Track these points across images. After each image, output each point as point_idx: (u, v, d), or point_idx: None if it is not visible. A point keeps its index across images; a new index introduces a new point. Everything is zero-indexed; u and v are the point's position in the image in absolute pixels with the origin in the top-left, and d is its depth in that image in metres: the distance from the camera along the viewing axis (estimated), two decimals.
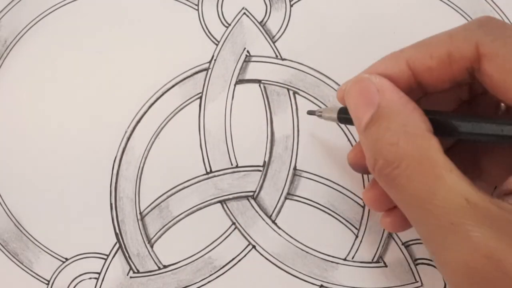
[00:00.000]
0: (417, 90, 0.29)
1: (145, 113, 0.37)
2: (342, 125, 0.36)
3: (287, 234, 0.35)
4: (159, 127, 0.37)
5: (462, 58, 0.27)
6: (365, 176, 0.36)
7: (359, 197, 0.36)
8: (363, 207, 0.36)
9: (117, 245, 0.35)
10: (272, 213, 0.36)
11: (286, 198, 0.36)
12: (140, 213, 0.36)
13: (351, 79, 0.29)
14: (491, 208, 0.23)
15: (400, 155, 0.25)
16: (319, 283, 0.35)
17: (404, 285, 0.35)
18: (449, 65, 0.27)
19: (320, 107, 0.33)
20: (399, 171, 0.25)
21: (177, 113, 0.37)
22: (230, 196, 0.36)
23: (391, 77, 0.28)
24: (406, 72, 0.28)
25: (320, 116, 0.33)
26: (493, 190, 0.30)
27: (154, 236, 0.35)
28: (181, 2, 0.39)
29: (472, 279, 0.23)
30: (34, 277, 0.35)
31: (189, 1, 0.39)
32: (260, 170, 0.36)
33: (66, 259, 0.35)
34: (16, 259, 0.35)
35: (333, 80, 0.37)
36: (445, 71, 0.27)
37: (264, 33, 0.38)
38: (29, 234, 0.35)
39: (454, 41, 0.27)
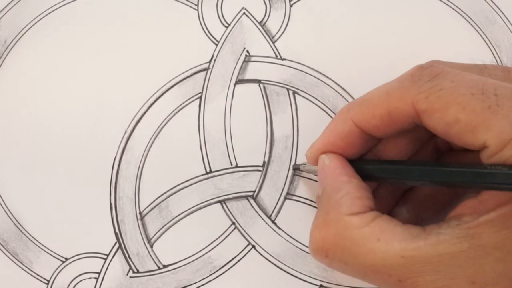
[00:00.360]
0: (371, 139, 0.31)
1: (144, 113, 0.37)
2: None
3: (286, 234, 0.35)
4: (158, 127, 0.37)
5: (402, 116, 0.28)
6: None
7: None
8: None
9: (117, 245, 0.35)
10: (272, 213, 0.36)
11: (285, 198, 0.36)
12: (140, 213, 0.36)
13: (310, 146, 0.32)
14: (428, 253, 0.26)
15: (324, 245, 0.28)
16: (319, 283, 0.35)
17: None
18: (392, 121, 0.29)
19: (303, 164, 0.35)
20: (329, 260, 0.28)
21: (176, 113, 0.37)
22: (230, 196, 0.36)
23: (344, 136, 0.31)
24: (355, 130, 0.30)
25: (303, 171, 0.35)
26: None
27: (154, 236, 0.35)
28: (180, 2, 0.39)
29: None
30: (34, 276, 0.35)
31: (189, 1, 0.39)
32: (259, 170, 0.36)
33: (66, 259, 0.35)
34: (16, 259, 0.35)
35: (333, 80, 0.37)
36: (389, 126, 0.29)
37: (264, 33, 0.38)
38: (29, 234, 0.35)
39: (391, 101, 0.28)
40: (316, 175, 0.33)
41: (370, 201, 0.29)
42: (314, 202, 0.36)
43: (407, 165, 0.29)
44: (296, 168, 0.35)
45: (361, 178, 0.30)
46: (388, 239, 0.26)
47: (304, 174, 0.35)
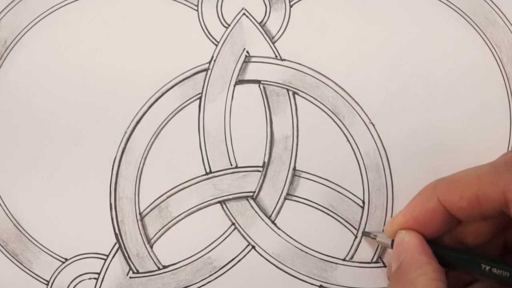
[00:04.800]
0: (453, 220, 0.31)
1: (144, 113, 0.37)
2: (342, 126, 0.36)
3: (286, 234, 0.35)
4: (158, 127, 0.37)
5: (490, 202, 0.28)
6: (365, 176, 0.36)
7: (358, 198, 0.36)
8: (362, 207, 0.36)
9: (117, 245, 0.35)
10: (272, 214, 0.36)
11: (285, 199, 0.36)
12: (140, 213, 0.36)
13: (391, 219, 0.33)
14: None
15: None
16: (319, 283, 0.35)
17: None
18: (478, 206, 0.29)
19: (375, 233, 0.34)
20: None
21: (176, 113, 0.37)
22: (230, 197, 0.36)
23: (427, 214, 0.31)
24: (440, 209, 0.30)
25: (374, 239, 0.34)
26: None
27: (154, 236, 0.35)
28: (180, 2, 0.39)
29: None
30: (34, 277, 0.35)
31: (189, 2, 0.39)
32: (259, 171, 0.36)
33: (66, 259, 0.35)
34: (16, 260, 0.35)
35: (332, 81, 0.37)
36: (475, 210, 0.29)
37: (264, 34, 0.38)
38: (29, 235, 0.35)
39: (482, 185, 0.29)
40: (388, 247, 0.33)
41: (444, 285, 0.29)
42: (314, 202, 0.36)
43: (480, 259, 0.30)
44: (366, 235, 0.35)
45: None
46: None
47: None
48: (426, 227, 0.31)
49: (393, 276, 0.31)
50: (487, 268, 0.29)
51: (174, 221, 0.35)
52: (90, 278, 0.35)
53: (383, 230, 0.34)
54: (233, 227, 0.35)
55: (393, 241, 0.32)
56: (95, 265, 0.35)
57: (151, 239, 0.35)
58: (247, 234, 0.35)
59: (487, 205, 0.29)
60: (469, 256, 0.31)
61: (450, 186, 0.30)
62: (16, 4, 0.39)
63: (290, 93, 0.37)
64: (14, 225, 0.35)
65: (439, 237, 0.32)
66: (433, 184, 0.31)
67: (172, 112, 0.37)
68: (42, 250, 0.35)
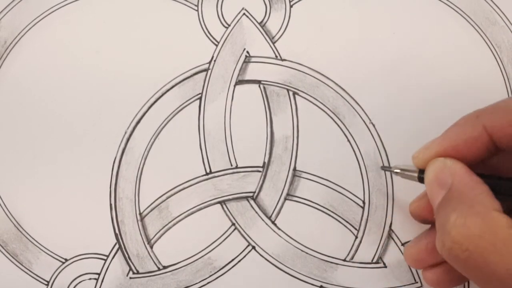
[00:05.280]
0: (493, 149, 0.30)
1: (144, 113, 0.37)
2: (342, 126, 0.36)
3: (286, 234, 0.35)
4: (158, 127, 0.37)
5: None
6: (365, 177, 0.36)
7: (358, 198, 0.36)
8: (363, 207, 0.36)
9: (117, 245, 0.35)
10: (272, 214, 0.36)
11: (285, 199, 0.36)
12: (140, 213, 0.36)
13: (425, 147, 0.31)
14: None
15: (468, 236, 0.26)
16: (319, 283, 0.35)
17: (403, 285, 0.35)
18: None
19: (397, 165, 0.33)
20: (469, 253, 0.26)
21: (176, 113, 0.37)
22: (230, 197, 0.36)
23: (471, 142, 0.29)
24: (484, 137, 0.29)
25: (397, 173, 0.32)
26: None
27: (154, 236, 0.35)
28: (180, 2, 0.39)
29: None
30: (34, 277, 0.35)
31: (189, 2, 0.39)
32: (259, 171, 0.36)
33: (66, 260, 0.35)
34: (16, 260, 0.35)
35: (332, 81, 0.37)
36: None
37: (264, 34, 0.38)
38: (29, 235, 0.35)
39: None
40: (413, 180, 0.31)
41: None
42: (314, 202, 0.36)
43: None
44: (386, 169, 0.34)
45: None
46: None
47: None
48: (465, 157, 0.30)
49: (444, 202, 0.28)
50: None
51: (174, 221, 0.35)
52: (90, 279, 0.35)
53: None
54: (233, 227, 0.35)
55: (421, 171, 0.31)
56: (95, 265, 0.35)
57: (151, 239, 0.35)
58: (247, 235, 0.35)
59: None
60: None
61: (497, 113, 0.29)
62: (16, 4, 0.39)
63: (290, 93, 0.37)
64: (14, 225, 0.35)
65: (472, 168, 0.31)
66: (474, 114, 0.30)
67: (172, 112, 0.37)
68: (42, 250, 0.35)
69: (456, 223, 0.26)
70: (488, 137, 0.29)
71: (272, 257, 0.35)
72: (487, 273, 0.25)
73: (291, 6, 0.38)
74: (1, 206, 0.36)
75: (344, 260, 0.35)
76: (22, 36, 0.38)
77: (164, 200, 0.36)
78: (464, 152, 0.30)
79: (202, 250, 0.35)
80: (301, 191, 0.36)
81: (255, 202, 0.36)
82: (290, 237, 0.35)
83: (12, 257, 0.35)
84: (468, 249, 0.26)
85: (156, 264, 0.35)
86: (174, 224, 0.35)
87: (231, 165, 0.36)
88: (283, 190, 0.36)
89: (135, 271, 0.35)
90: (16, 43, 0.38)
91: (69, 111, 0.37)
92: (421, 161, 0.31)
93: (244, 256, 0.35)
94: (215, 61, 0.37)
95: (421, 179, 0.31)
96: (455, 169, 0.29)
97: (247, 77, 0.37)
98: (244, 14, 0.38)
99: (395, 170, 0.32)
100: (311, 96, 0.37)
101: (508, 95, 0.37)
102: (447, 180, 0.29)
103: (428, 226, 0.33)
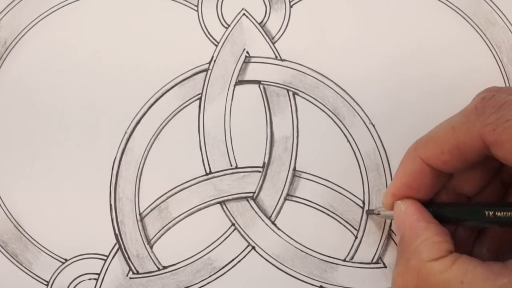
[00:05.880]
0: (442, 176, 0.31)
1: (144, 113, 0.37)
2: (342, 126, 0.36)
3: (286, 235, 0.35)
4: (158, 127, 0.37)
5: (471, 149, 0.28)
6: (365, 177, 0.36)
7: (358, 198, 0.36)
8: (362, 208, 0.36)
9: (117, 246, 0.35)
10: (272, 214, 0.36)
11: (285, 199, 0.36)
12: (140, 214, 0.36)
13: (386, 192, 0.33)
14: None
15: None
16: (319, 284, 0.35)
17: None
18: (461, 155, 0.29)
19: (378, 209, 0.34)
20: None
21: (176, 114, 0.37)
22: (230, 197, 0.36)
23: (415, 176, 0.31)
24: (425, 168, 0.30)
25: (378, 214, 0.34)
26: None
27: (154, 237, 0.35)
28: (180, 2, 0.39)
29: None
30: (34, 278, 0.35)
31: (189, 2, 0.39)
32: (259, 171, 0.36)
33: (66, 260, 0.35)
34: (16, 260, 0.35)
35: (332, 81, 0.37)
36: (459, 160, 0.29)
37: (264, 34, 0.38)
38: (29, 235, 0.35)
39: (458, 135, 0.29)
40: (393, 220, 0.33)
41: (450, 244, 0.29)
42: (314, 203, 0.36)
43: (481, 208, 0.30)
44: (370, 212, 0.35)
45: (439, 222, 0.30)
46: (471, 281, 0.26)
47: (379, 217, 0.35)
48: (419, 189, 0.31)
49: (398, 250, 0.31)
50: (491, 213, 0.29)
51: (174, 221, 0.35)
52: (90, 279, 0.35)
53: None
54: (233, 227, 0.35)
55: None
56: (95, 265, 0.35)
57: (151, 239, 0.35)
58: (247, 235, 0.35)
59: (470, 153, 0.29)
60: (470, 206, 0.31)
61: (429, 143, 0.30)
62: (16, 4, 0.38)
63: (290, 93, 0.37)
64: (14, 225, 0.35)
65: (436, 195, 0.32)
66: (413, 146, 0.31)
67: (172, 113, 0.37)
68: (42, 250, 0.35)
69: (396, 278, 0.29)
70: (429, 167, 0.30)
71: (272, 257, 0.35)
72: None
73: (291, 6, 0.38)
74: (1, 206, 0.36)
75: (344, 260, 0.35)
76: (22, 36, 0.38)
77: (164, 200, 0.36)
78: (416, 187, 0.31)
79: (202, 250, 0.35)
80: (301, 191, 0.36)
81: (255, 202, 0.36)
82: (290, 237, 0.35)
83: (12, 257, 0.35)
84: None
85: (156, 264, 0.35)
86: (174, 224, 0.35)
87: (231, 165, 0.36)
88: (283, 190, 0.36)
89: (135, 271, 0.35)
90: (16, 43, 0.38)
91: (69, 111, 0.37)
92: (387, 206, 0.33)
93: (244, 256, 0.35)
94: (215, 61, 0.37)
95: None
96: (406, 215, 0.31)
97: (247, 77, 0.37)
98: (244, 14, 0.38)
99: (376, 213, 0.34)
100: (311, 96, 0.37)
101: None
102: (401, 227, 0.31)
103: None
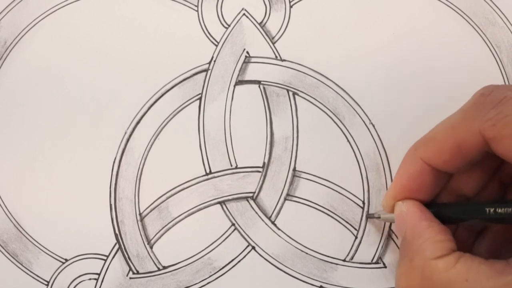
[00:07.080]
0: (443, 176, 0.31)
1: (144, 114, 0.37)
2: (342, 126, 0.36)
3: (286, 235, 0.35)
4: (158, 128, 0.37)
5: (471, 146, 0.28)
6: (365, 177, 0.36)
7: (358, 198, 0.36)
8: (362, 208, 0.36)
9: (117, 246, 0.35)
10: (272, 214, 0.36)
11: (285, 199, 0.36)
12: (140, 214, 0.36)
13: (385, 194, 0.33)
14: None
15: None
16: (319, 284, 0.35)
17: None
18: (461, 153, 0.29)
19: (378, 213, 0.34)
20: None
21: (176, 114, 0.37)
22: (230, 197, 0.36)
23: (416, 177, 0.31)
24: (426, 168, 0.30)
25: (379, 218, 0.34)
26: None
27: (154, 237, 0.35)
28: (180, 2, 0.39)
29: None
30: (34, 278, 0.35)
31: (189, 2, 0.39)
32: (259, 171, 0.36)
33: (66, 260, 0.35)
34: (16, 260, 0.35)
35: (332, 81, 0.37)
36: (460, 158, 0.29)
37: (264, 34, 0.38)
38: (29, 235, 0.35)
39: (458, 133, 0.29)
40: (394, 222, 0.33)
41: (452, 242, 0.29)
42: (314, 203, 0.36)
43: (482, 205, 0.30)
44: (370, 216, 0.35)
45: (440, 221, 0.30)
46: (475, 279, 0.26)
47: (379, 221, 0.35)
48: (419, 191, 0.31)
49: (400, 251, 0.31)
50: (491, 210, 0.29)
51: (174, 221, 0.35)
52: (90, 279, 0.35)
53: None
54: (233, 227, 0.35)
55: None
56: (95, 265, 0.35)
57: (151, 239, 0.35)
58: (247, 235, 0.35)
59: (470, 151, 0.29)
60: (470, 205, 0.31)
61: (429, 143, 0.30)
62: (16, 4, 0.38)
63: (290, 93, 0.37)
64: (14, 225, 0.35)
65: (437, 196, 0.32)
66: (413, 147, 0.31)
67: (172, 113, 0.37)
68: (42, 250, 0.35)
69: (400, 278, 0.29)
70: (430, 168, 0.30)
71: (272, 257, 0.35)
72: None
73: (291, 7, 0.38)
74: (1, 206, 0.36)
75: (344, 260, 0.35)
76: (22, 36, 0.38)
77: (164, 201, 0.36)
78: (416, 188, 0.31)
79: (202, 251, 0.35)
80: (301, 191, 0.36)
81: (255, 203, 0.36)
82: (290, 237, 0.35)
83: (12, 257, 0.35)
84: None
85: (156, 264, 0.35)
86: (174, 225, 0.35)
87: (231, 166, 0.36)
88: (283, 190, 0.36)
89: (135, 271, 0.35)
90: (16, 43, 0.38)
91: (69, 111, 0.37)
92: (387, 208, 0.33)
93: (244, 257, 0.35)
94: (215, 61, 0.37)
95: None
96: (408, 215, 0.31)
97: (247, 78, 0.37)
98: (244, 14, 0.38)
99: (377, 217, 0.34)
100: (311, 97, 0.37)
101: None
102: (403, 228, 0.31)
103: None
